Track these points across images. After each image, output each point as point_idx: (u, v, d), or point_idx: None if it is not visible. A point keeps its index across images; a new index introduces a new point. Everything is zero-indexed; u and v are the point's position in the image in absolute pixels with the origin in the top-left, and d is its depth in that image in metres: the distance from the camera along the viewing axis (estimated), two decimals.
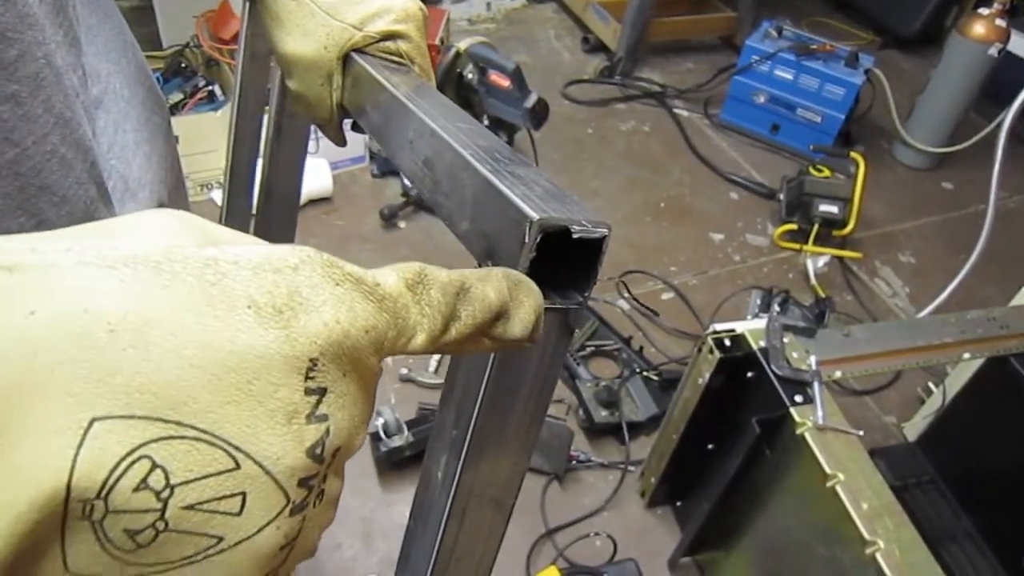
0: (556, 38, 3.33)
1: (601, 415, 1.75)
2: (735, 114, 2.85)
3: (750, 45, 2.72)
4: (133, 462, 0.18)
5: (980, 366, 1.54)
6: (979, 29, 2.50)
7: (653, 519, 1.65)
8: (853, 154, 2.37)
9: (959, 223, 2.60)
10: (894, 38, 3.53)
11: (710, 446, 1.43)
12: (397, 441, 1.60)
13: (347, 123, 0.56)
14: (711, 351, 1.27)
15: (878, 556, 1.02)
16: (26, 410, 0.17)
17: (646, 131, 2.84)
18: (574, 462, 1.70)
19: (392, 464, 1.64)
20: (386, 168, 2.43)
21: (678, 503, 1.63)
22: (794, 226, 2.36)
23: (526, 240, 0.30)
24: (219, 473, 0.19)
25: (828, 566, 1.13)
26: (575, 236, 0.30)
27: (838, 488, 1.08)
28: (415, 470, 1.66)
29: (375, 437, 1.63)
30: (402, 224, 2.28)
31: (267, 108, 0.72)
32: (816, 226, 2.30)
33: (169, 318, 0.19)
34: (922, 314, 2.08)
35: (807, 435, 1.14)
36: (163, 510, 0.19)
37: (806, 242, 2.32)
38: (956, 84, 2.62)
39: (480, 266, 0.34)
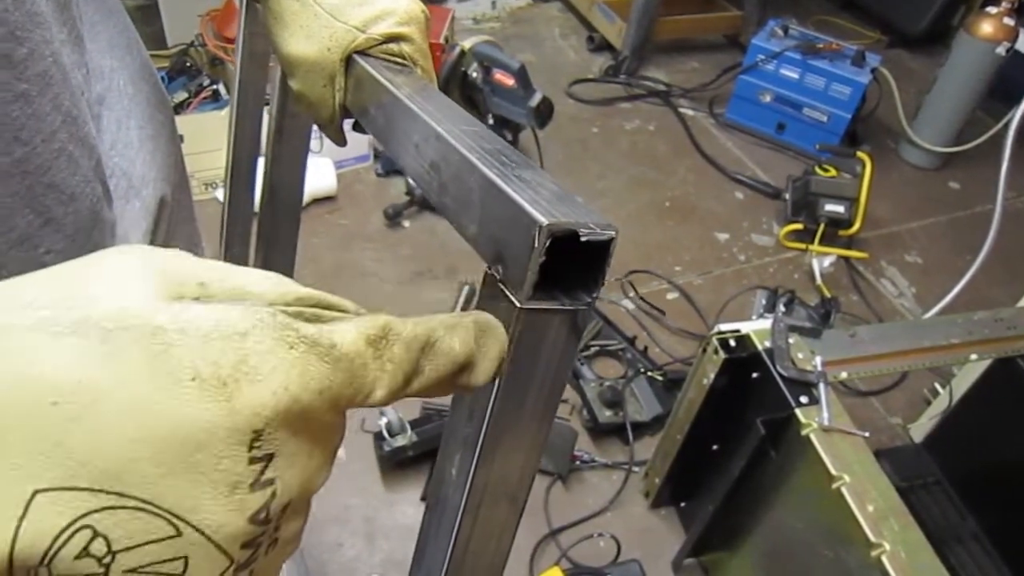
0: (561, 37, 3.32)
1: (605, 415, 1.74)
2: (741, 113, 2.84)
3: (756, 44, 2.71)
4: (75, 532, 0.19)
5: (987, 367, 1.53)
6: (987, 28, 2.49)
7: (657, 520, 1.64)
8: (859, 153, 2.36)
9: (966, 223, 2.59)
10: (901, 37, 3.52)
11: (715, 447, 1.42)
12: (400, 441, 1.60)
13: (347, 123, 0.56)
14: (716, 351, 1.26)
15: (884, 558, 1.01)
16: None
17: (651, 130, 2.83)
18: (578, 462, 1.70)
19: (395, 464, 1.64)
20: (390, 167, 2.42)
21: (682, 504, 1.63)
22: (800, 226, 2.35)
23: (535, 245, 0.30)
24: (160, 540, 0.20)
25: (833, 568, 1.12)
26: (583, 239, 0.31)
27: (843, 490, 1.07)
28: (418, 470, 1.65)
29: (378, 437, 1.63)
30: (406, 223, 2.28)
31: (268, 107, 0.71)
32: (822, 226, 2.29)
33: (112, 390, 0.19)
34: (928, 315, 2.07)
35: (812, 436, 1.13)
36: (105, 574, 0.19)
37: (812, 242, 2.31)
38: (963, 83, 2.61)
39: (490, 270, 0.34)
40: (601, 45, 3.19)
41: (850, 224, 2.31)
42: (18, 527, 0.18)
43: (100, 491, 0.19)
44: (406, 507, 1.61)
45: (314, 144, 2.20)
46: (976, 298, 2.07)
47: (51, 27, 0.44)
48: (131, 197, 0.58)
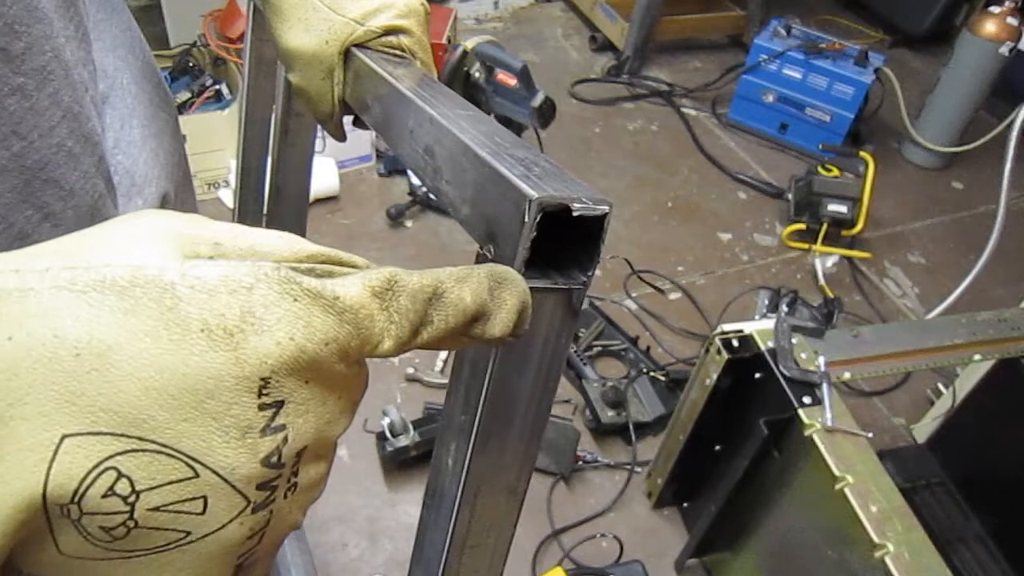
0: (564, 37, 3.32)
1: (608, 415, 1.74)
2: (743, 113, 2.84)
3: (759, 44, 2.71)
4: (101, 473, 0.20)
5: (991, 368, 1.53)
6: (990, 27, 2.48)
7: (660, 520, 1.64)
8: (862, 153, 2.36)
9: (969, 223, 2.59)
10: (904, 36, 3.51)
11: (717, 447, 1.42)
12: (403, 441, 1.60)
13: (347, 119, 0.56)
14: (719, 352, 1.26)
15: (887, 559, 1.01)
16: (7, 428, 0.19)
17: (654, 130, 2.83)
18: (580, 462, 1.70)
19: (398, 464, 1.63)
20: (393, 167, 2.42)
21: (685, 504, 1.62)
22: (803, 226, 2.35)
23: (526, 220, 0.30)
24: (179, 481, 0.21)
25: (837, 569, 1.12)
26: (575, 213, 0.30)
27: (847, 490, 1.07)
28: (421, 470, 1.65)
29: (381, 437, 1.62)
30: (409, 223, 2.28)
31: (273, 109, 0.72)
32: (825, 226, 2.29)
33: (129, 343, 0.20)
34: (932, 315, 2.06)
35: (816, 437, 1.13)
36: (131, 512, 0.21)
37: (815, 242, 2.31)
38: (966, 83, 2.60)
39: (482, 250, 0.34)
40: (603, 45, 3.19)
41: (853, 224, 2.30)
42: (49, 468, 0.20)
43: (122, 435, 0.20)
44: (409, 507, 1.61)
45: (317, 144, 2.19)
46: (979, 298, 2.06)
47: (53, 23, 0.44)
48: (134, 195, 0.59)
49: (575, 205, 0.30)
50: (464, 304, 0.27)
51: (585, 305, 2.05)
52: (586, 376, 1.84)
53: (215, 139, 2.13)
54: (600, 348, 1.94)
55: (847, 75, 2.59)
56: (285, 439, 0.23)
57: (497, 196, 0.32)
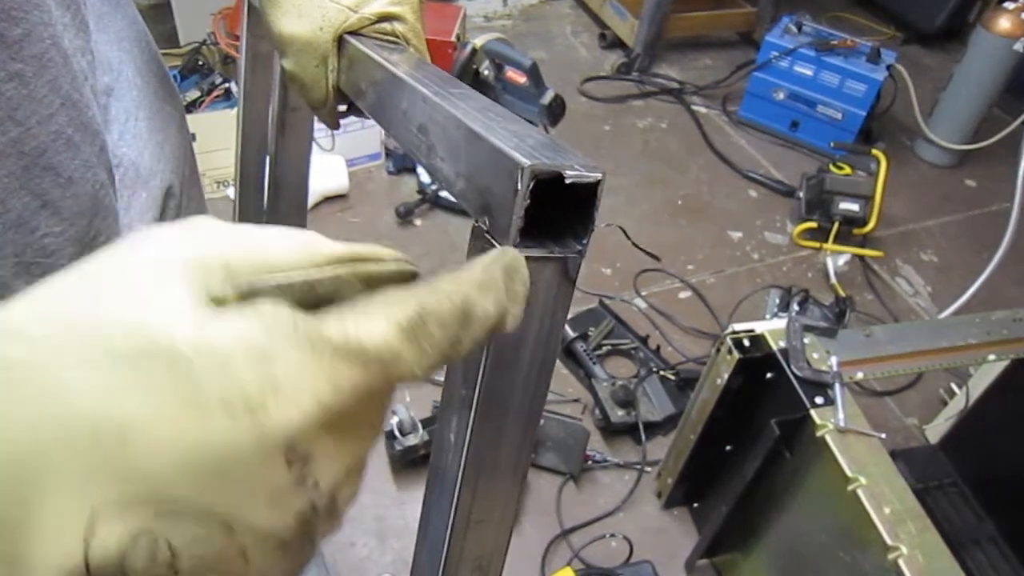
0: (573, 34, 3.31)
1: (617, 415, 1.73)
2: (754, 111, 2.82)
3: (769, 41, 2.69)
4: (138, 539, 0.20)
5: (1005, 368, 1.51)
6: (1004, 24, 2.46)
7: (670, 520, 1.63)
8: (874, 151, 2.34)
9: (982, 221, 2.56)
10: (916, 33, 3.48)
11: (728, 447, 1.41)
12: (412, 440, 1.60)
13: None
14: (730, 351, 1.25)
15: (900, 562, 1.00)
16: (36, 507, 0.19)
17: (664, 128, 2.81)
18: (590, 462, 1.69)
19: (407, 463, 1.63)
20: (402, 165, 2.42)
21: (695, 504, 1.61)
22: (814, 224, 2.33)
23: (519, 188, 0.30)
24: (217, 539, 0.21)
25: (849, 571, 1.11)
26: (568, 181, 0.30)
27: (859, 492, 1.06)
28: None
29: (390, 436, 1.62)
30: (418, 222, 2.28)
31: (271, 103, 0.71)
32: (836, 224, 2.27)
33: (145, 419, 0.19)
34: (944, 314, 2.05)
35: (828, 437, 1.12)
36: (175, 573, 0.20)
37: (826, 240, 2.29)
38: (980, 80, 2.58)
39: (477, 222, 0.34)
40: (613, 42, 3.17)
41: (865, 222, 2.29)
42: (87, 541, 0.19)
43: (150, 501, 0.20)
44: (417, 507, 1.59)
45: (326, 142, 2.20)
46: (993, 297, 2.04)
47: (51, 10, 0.44)
48: (138, 187, 0.59)
49: (568, 172, 0.30)
50: (490, 316, 0.26)
51: (594, 304, 2.05)
52: (595, 375, 1.83)
53: (224, 137, 2.13)
54: (610, 347, 1.93)
55: (859, 72, 2.56)
56: (316, 485, 0.22)
57: (490, 167, 0.32)
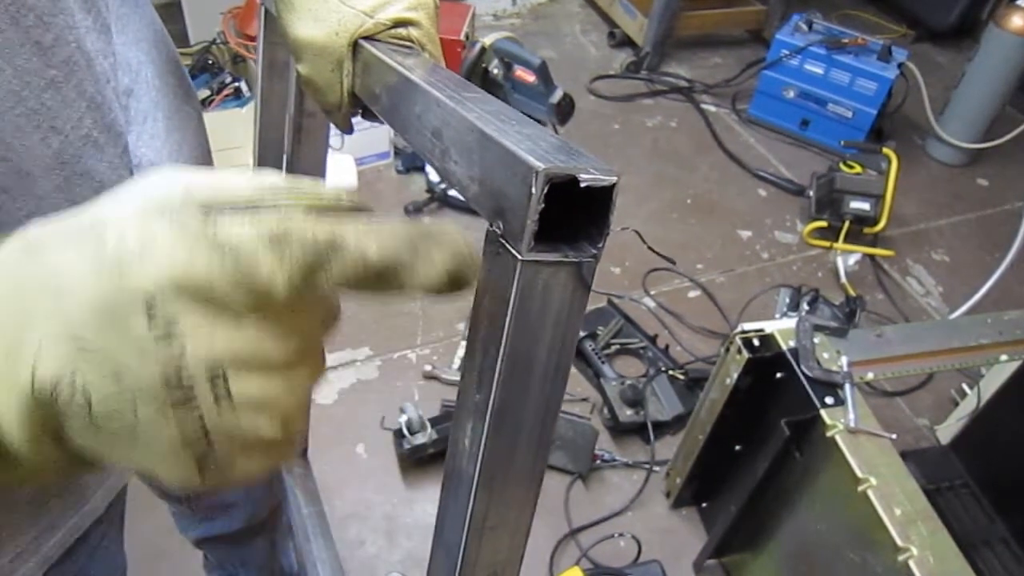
0: (582, 33, 3.31)
1: (626, 414, 1.73)
2: (764, 109, 2.81)
3: (779, 39, 2.67)
4: (63, 376, 0.26)
5: (1017, 368, 1.50)
6: (1017, 21, 2.44)
7: (678, 520, 1.63)
8: (885, 150, 2.32)
9: (994, 220, 2.55)
10: (928, 31, 3.46)
11: (737, 447, 1.40)
12: (420, 439, 1.60)
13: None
14: (739, 351, 1.25)
15: (911, 563, 1.00)
16: (28, 332, 0.27)
17: (673, 127, 2.81)
18: (598, 461, 1.69)
19: (415, 461, 1.63)
20: (411, 164, 2.42)
21: (704, 504, 1.61)
22: (824, 223, 2.32)
23: (533, 192, 0.30)
24: (113, 385, 0.26)
25: (859, 572, 1.10)
26: (583, 184, 0.30)
27: (870, 493, 1.06)
28: (438, 468, 1.65)
29: (398, 434, 1.62)
30: (426, 220, 2.28)
31: (287, 109, 0.72)
32: (847, 223, 2.26)
33: (74, 274, 0.26)
34: (956, 314, 2.03)
35: (838, 438, 1.11)
36: (88, 408, 0.26)
37: (836, 239, 2.28)
38: (992, 78, 2.56)
39: (491, 226, 0.34)
40: (622, 41, 3.16)
41: (875, 221, 2.27)
42: (33, 366, 0.26)
43: (74, 339, 0.26)
44: (426, 505, 1.61)
45: (335, 141, 2.20)
46: (1005, 297, 2.03)
47: (74, 13, 0.45)
48: None
49: (582, 176, 0.30)
50: (366, 256, 0.29)
51: (603, 303, 2.04)
52: (604, 374, 1.83)
53: (234, 136, 2.14)
54: (618, 346, 1.93)
55: (870, 70, 2.55)
56: (182, 354, 0.26)
57: (504, 171, 0.32)
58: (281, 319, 0.29)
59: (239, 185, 0.29)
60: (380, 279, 0.29)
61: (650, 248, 0.46)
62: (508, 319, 0.33)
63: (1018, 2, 2.44)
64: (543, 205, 0.30)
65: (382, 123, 0.52)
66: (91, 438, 0.27)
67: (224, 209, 0.27)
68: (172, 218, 0.27)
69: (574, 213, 0.32)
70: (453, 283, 0.31)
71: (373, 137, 2.37)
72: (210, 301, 0.27)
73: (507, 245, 0.32)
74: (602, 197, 0.31)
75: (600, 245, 0.33)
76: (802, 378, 1.18)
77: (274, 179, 0.30)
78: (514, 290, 0.32)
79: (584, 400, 1.81)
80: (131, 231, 0.27)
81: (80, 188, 0.45)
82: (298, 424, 0.31)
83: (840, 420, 1.13)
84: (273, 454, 0.31)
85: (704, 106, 2.90)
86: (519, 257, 0.31)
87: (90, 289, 0.26)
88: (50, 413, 0.27)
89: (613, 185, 0.31)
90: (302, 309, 0.29)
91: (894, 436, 1.13)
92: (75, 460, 0.29)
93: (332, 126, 0.59)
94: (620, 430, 1.75)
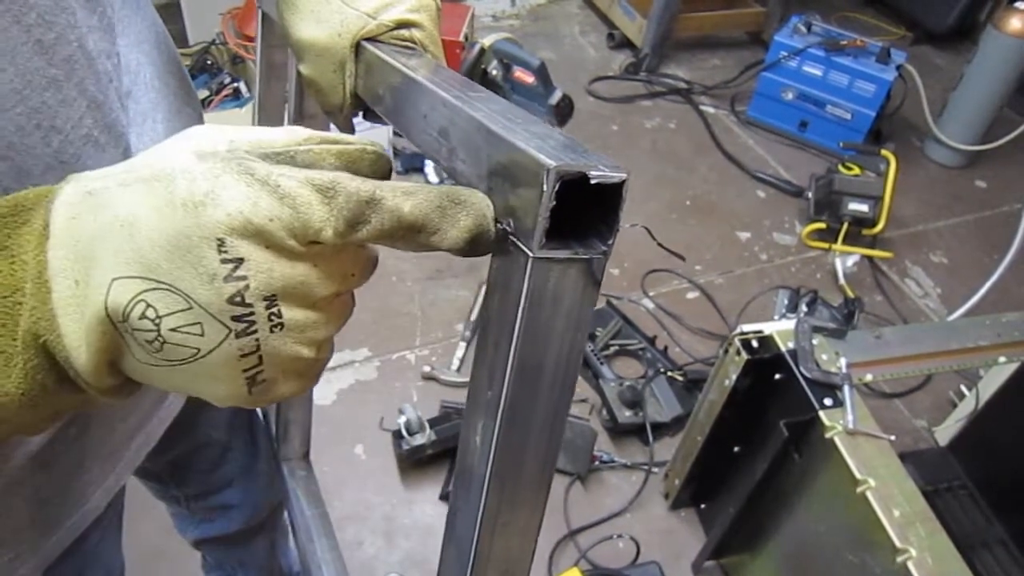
0: (581, 34, 3.31)
1: (625, 415, 1.73)
2: (763, 111, 2.82)
3: (778, 41, 2.68)
4: (136, 303, 0.30)
5: (1015, 370, 1.51)
6: (1015, 23, 2.44)
7: (677, 521, 1.63)
8: (884, 152, 2.33)
9: (993, 222, 2.55)
10: (927, 33, 3.47)
11: (736, 448, 1.41)
12: (419, 439, 1.60)
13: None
14: (738, 352, 1.25)
15: (910, 564, 1.00)
16: (89, 273, 0.30)
17: (672, 128, 2.81)
18: (597, 463, 1.69)
19: (414, 462, 1.63)
20: (410, 165, 2.42)
21: (702, 505, 1.61)
22: (823, 225, 2.32)
23: (544, 189, 0.30)
24: (182, 311, 0.30)
25: (858, 573, 1.10)
26: (593, 181, 0.30)
27: (868, 494, 1.06)
28: (437, 468, 1.65)
29: (397, 435, 1.62)
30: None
31: (286, 109, 0.72)
32: (845, 225, 2.26)
33: (146, 215, 0.30)
34: (954, 316, 2.04)
35: (837, 439, 1.11)
36: (158, 330, 0.30)
37: (835, 241, 2.28)
38: (991, 80, 2.56)
39: (500, 224, 0.34)
40: (621, 42, 3.17)
41: (874, 223, 2.28)
42: (106, 297, 0.30)
43: (144, 278, 0.30)
44: (425, 506, 1.61)
45: None
46: (1003, 299, 2.03)
47: (76, 12, 0.45)
48: None
49: (592, 173, 0.30)
50: (401, 213, 0.33)
51: (602, 304, 2.04)
52: (603, 376, 1.83)
53: None
54: (617, 347, 1.93)
55: (868, 72, 2.55)
56: (247, 286, 0.30)
57: (515, 169, 0.32)
58: (326, 261, 0.33)
59: (277, 138, 0.32)
60: (410, 234, 0.34)
61: (659, 244, 0.46)
62: (519, 316, 0.33)
63: (1016, 4, 2.45)
64: (554, 203, 0.30)
65: (384, 124, 0.52)
66: (152, 359, 0.31)
67: (273, 156, 0.32)
68: (238, 167, 0.30)
69: (583, 211, 0.32)
70: (472, 247, 0.35)
71: (373, 138, 2.36)
72: (271, 242, 0.31)
73: (518, 243, 0.33)
74: (612, 194, 0.32)
75: (610, 242, 0.33)
76: (801, 379, 1.18)
77: (306, 132, 0.33)
78: (525, 287, 0.32)
79: (583, 401, 1.81)
80: (200, 178, 0.30)
81: None
82: (329, 352, 0.37)
83: (839, 421, 1.13)
84: (307, 376, 0.36)
85: (703, 107, 2.90)
86: (530, 254, 0.32)
87: (165, 227, 0.30)
88: (116, 338, 0.31)
89: (623, 182, 0.31)
90: (344, 255, 0.34)
91: (893, 437, 1.13)
92: (125, 389, 0.34)
93: (333, 128, 0.59)
94: (619, 431, 1.75)
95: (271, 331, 0.32)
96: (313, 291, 0.33)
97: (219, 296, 0.30)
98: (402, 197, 0.33)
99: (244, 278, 0.30)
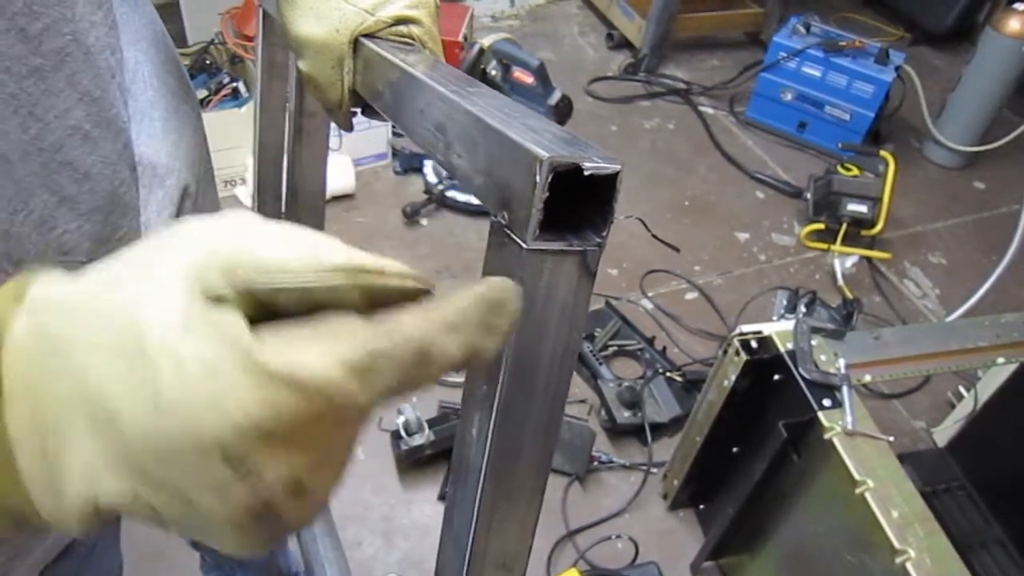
0: (580, 34, 3.31)
1: (623, 416, 1.73)
2: (761, 111, 2.82)
3: (777, 41, 2.68)
4: (124, 500, 0.25)
5: (1014, 371, 1.51)
6: (1014, 25, 2.45)
7: (675, 522, 1.63)
8: (883, 152, 2.33)
9: (991, 223, 2.55)
10: (925, 34, 3.47)
11: (735, 449, 1.41)
12: (418, 440, 1.60)
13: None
14: (737, 353, 1.25)
15: (908, 565, 1.00)
16: (68, 447, 0.25)
17: (671, 128, 2.81)
18: (596, 463, 1.69)
19: (413, 463, 1.63)
20: (408, 165, 2.42)
21: (701, 506, 1.61)
22: (821, 225, 2.32)
23: (538, 181, 0.30)
24: (184, 512, 0.25)
25: (857, 574, 1.10)
26: (587, 172, 0.30)
27: (867, 495, 1.06)
28: (436, 469, 1.65)
29: (395, 436, 1.62)
30: (424, 222, 2.28)
31: (287, 108, 0.72)
32: (844, 225, 2.26)
33: (124, 405, 0.24)
34: (953, 316, 2.04)
35: (836, 440, 1.11)
36: (156, 517, 0.26)
37: (834, 242, 2.29)
38: (989, 81, 2.57)
39: (496, 217, 0.34)
40: (620, 43, 3.17)
41: (873, 224, 2.28)
42: (84, 488, 0.25)
43: (135, 469, 0.25)
44: (424, 506, 1.60)
45: (333, 142, 2.20)
46: (1002, 300, 2.03)
47: (75, 6, 0.45)
48: (155, 186, 0.59)
49: (586, 164, 0.30)
50: (451, 357, 0.27)
51: (600, 304, 2.04)
52: (601, 376, 1.83)
53: (232, 137, 2.14)
54: (616, 348, 1.93)
55: (867, 73, 2.56)
56: (260, 480, 0.25)
57: (509, 161, 0.32)
58: (346, 425, 0.27)
59: (281, 256, 0.25)
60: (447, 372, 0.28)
61: (654, 235, 0.46)
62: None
63: (1015, 6, 2.45)
64: (548, 194, 0.30)
65: (383, 120, 0.52)
66: (152, 523, 0.27)
67: (282, 294, 0.25)
68: (235, 347, 0.24)
69: (578, 203, 0.32)
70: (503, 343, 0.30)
71: (371, 138, 2.37)
72: (288, 436, 0.25)
73: (512, 235, 0.33)
74: (606, 186, 0.32)
75: (604, 234, 0.33)
76: (800, 380, 1.18)
77: (335, 256, 0.26)
78: (518, 280, 0.32)
79: (581, 402, 1.81)
80: (191, 362, 0.24)
81: (58, 176, 0.45)
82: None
83: (837, 422, 1.13)
84: (313, 518, 0.30)
85: (702, 108, 2.90)
86: (524, 246, 0.32)
87: (151, 429, 0.24)
88: (107, 515, 0.26)
89: (617, 173, 0.31)
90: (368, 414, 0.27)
91: (891, 438, 1.13)
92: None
93: (333, 125, 0.59)
94: (617, 432, 1.75)
95: (295, 507, 0.27)
96: (335, 459, 0.28)
97: (231, 505, 0.25)
98: (449, 336, 0.27)
99: (254, 476, 0.25)
